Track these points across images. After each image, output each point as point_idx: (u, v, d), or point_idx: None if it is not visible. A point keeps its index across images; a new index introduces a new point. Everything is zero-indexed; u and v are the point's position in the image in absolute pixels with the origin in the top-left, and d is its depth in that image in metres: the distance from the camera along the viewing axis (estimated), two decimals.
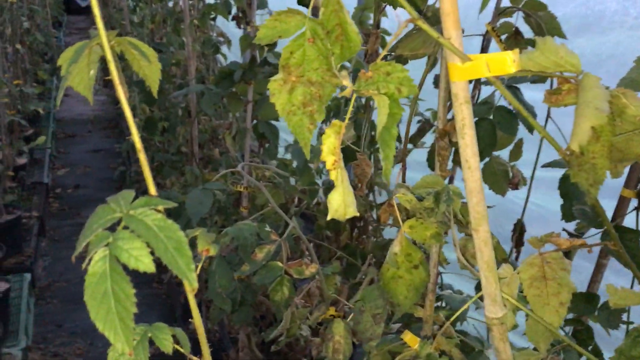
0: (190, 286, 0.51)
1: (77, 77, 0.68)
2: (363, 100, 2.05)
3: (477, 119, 1.55)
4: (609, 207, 1.54)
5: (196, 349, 0.81)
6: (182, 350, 0.71)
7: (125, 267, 0.53)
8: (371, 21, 1.90)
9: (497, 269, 0.68)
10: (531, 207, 1.93)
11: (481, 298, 0.70)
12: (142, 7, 5.51)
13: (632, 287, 1.37)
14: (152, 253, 0.52)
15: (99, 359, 3.37)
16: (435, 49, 1.04)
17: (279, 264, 1.19)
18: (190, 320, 2.60)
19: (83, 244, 0.53)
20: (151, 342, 0.70)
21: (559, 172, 1.65)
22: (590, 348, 1.35)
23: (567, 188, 1.52)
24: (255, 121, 2.35)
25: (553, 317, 0.72)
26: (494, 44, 1.74)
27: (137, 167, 4.36)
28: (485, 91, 1.71)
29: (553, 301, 0.72)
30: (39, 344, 3.47)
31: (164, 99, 3.32)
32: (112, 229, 0.55)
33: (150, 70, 0.72)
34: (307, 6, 1.70)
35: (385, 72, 0.60)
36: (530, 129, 1.48)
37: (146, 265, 0.51)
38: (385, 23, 2.06)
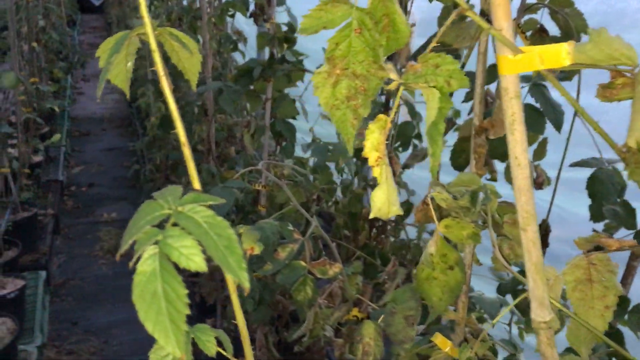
0: (243, 285, 0.48)
1: (116, 69, 0.66)
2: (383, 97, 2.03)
3: None
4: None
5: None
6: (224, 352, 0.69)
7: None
8: None
9: None
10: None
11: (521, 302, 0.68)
12: (156, 5, 5.50)
13: None
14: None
15: (113, 357, 3.37)
16: (472, 44, 1.01)
17: (302, 263, 1.17)
18: (206, 319, 2.58)
19: (129, 241, 0.51)
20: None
21: (579, 173, 1.62)
22: None
23: (595, 188, 1.48)
24: (272, 119, 2.33)
25: (598, 321, 0.69)
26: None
27: (152, 166, 4.36)
28: None
29: (598, 305, 0.69)
30: (54, 342, 3.47)
31: (179, 97, 3.30)
32: (159, 226, 0.52)
33: (191, 62, 0.70)
34: None
35: (434, 64, 0.58)
36: (559, 128, 1.45)
37: (197, 264, 0.49)
38: None
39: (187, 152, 0.60)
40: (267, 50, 2.95)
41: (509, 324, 1.42)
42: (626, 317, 1.38)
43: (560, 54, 0.55)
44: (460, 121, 1.84)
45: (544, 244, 1.84)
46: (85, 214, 5.25)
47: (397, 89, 0.60)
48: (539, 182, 1.75)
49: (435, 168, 0.60)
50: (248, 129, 2.03)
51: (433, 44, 0.60)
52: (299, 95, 1.97)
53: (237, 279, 0.47)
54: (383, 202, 0.61)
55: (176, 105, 2.34)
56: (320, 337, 1.23)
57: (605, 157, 1.51)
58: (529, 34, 1.65)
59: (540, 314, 0.62)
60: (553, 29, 1.60)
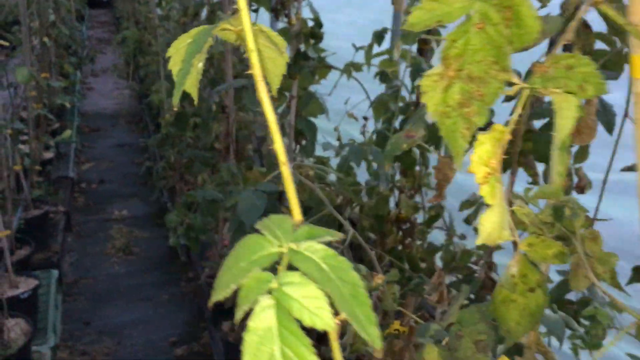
0: (374, 345, 0.39)
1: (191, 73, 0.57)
2: (412, 96, 1.95)
3: (546, 120, 1.44)
4: None
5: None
6: None
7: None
8: None
9: None
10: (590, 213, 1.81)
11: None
12: (168, 0, 5.44)
13: None
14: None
15: (127, 358, 3.31)
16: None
17: None
18: (223, 322, 2.50)
19: (232, 287, 0.42)
20: None
21: (621, 176, 1.54)
22: None
23: None
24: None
25: None
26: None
27: (164, 163, 4.30)
28: None
29: None
30: (66, 342, 3.42)
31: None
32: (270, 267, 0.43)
33: (275, 63, 0.61)
34: None
35: (566, 65, 0.50)
36: (610, 129, 1.37)
37: (325, 321, 0.38)
38: None
39: (285, 171, 0.51)
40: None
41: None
42: None
43: None
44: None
45: None
46: (96, 211, 5.20)
47: (521, 96, 0.52)
48: (580, 186, 1.67)
49: (561, 188, 0.52)
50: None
51: (562, 42, 0.53)
52: (327, 94, 1.89)
53: (365, 334, 0.39)
54: (494, 226, 0.53)
55: (191, 102, 2.27)
56: (361, 352, 1.16)
57: None
58: None
59: None
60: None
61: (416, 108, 1.87)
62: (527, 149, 1.52)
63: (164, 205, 4.94)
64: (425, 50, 1.74)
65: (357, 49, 1.84)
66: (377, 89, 2.76)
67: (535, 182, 1.61)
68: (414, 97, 1.86)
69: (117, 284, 4.06)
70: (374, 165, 1.89)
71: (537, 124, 1.51)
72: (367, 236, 2.23)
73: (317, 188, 1.39)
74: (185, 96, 2.33)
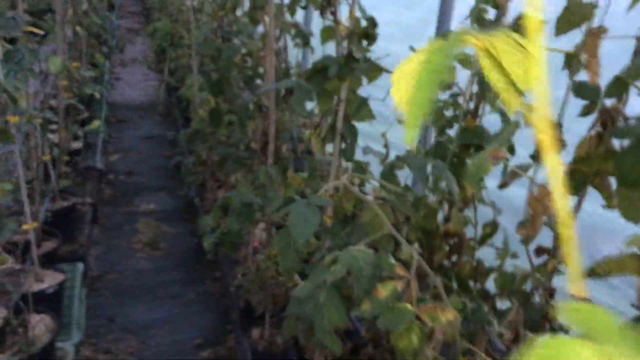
0: None
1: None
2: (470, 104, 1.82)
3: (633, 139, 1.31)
4: None
5: None
6: None
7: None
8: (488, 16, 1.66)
9: None
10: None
11: None
12: None
13: None
14: None
15: (151, 359, 3.23)
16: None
17: (409, 307, 0.98)
18: (253, 328, 2.39)
19: None
20: None
21: None
22: None
23: None
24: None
25: None
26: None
27: (194, 159, 4.22)
28: None
29: None
30: (90, 339, 3.35)
31: (230, 91, 3.14)
32: None
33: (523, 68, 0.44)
34: None
35: None
36: None
37: None
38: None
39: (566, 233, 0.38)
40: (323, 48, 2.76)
41: None
42: None
43: None
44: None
45: None
46: (124, 204, 5.15)
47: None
48: None
49: None
50: (318, 132, 1.84)
51: None
52: (381, 99, 1.77)
53: None
54: None
55: (226, 99, 2.16)
56: None
57: None
58: None
59: None
60: None
61: (473, 115, 1.74)
62: (605, 169, 1.38)
63: (191, 200, 4.86)
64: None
65: (413, 51, 1.72)
66: None
67: (609, 206, 1.48)
68: (471, 104, 1.74)
69: (142, 280, 3.99)
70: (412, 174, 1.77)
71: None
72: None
73: (375, 204, 1.27)
74: (219, 92, 2.21)
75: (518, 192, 2.08)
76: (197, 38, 4.51)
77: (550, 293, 1.54)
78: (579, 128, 1.52)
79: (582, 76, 1.42)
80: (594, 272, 1.22)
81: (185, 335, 3.45)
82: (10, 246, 3.00)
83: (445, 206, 1.99)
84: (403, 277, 1.02)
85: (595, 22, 1.38)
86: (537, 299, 1.64)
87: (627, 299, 1.67)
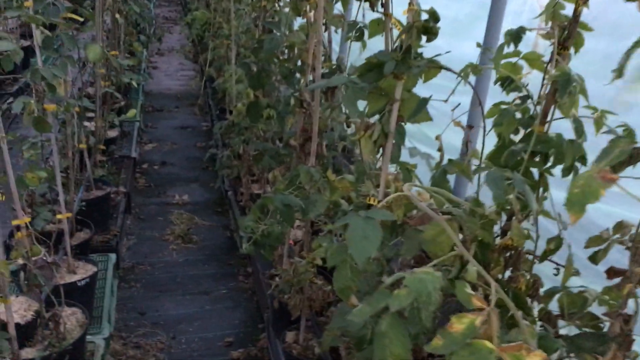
0: None
1: None
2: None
3: None
4: None
5: None
6: None
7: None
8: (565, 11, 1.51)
9: None
10: None
11: None
12: None
13: None
14: None
15: (181, 356, 3.16)
16: None
17: (488, 344, 0.86)
18: (287, 331, 2.26)
19: None
20: None
21: None
22: None
23: None
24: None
25: None
26: None
27: (230, 152, 4.13)
28: None
29: None
30: (120, 332, 3.30)
31: (270, 84, 3.03)
32: None
33: None
34: None
35: None
36: None
37: None
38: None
39: None
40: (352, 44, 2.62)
41: None
42: None
43: None
44: None
45: None
46: (157, 194, 5.10)
47: None
48: None
49: None
50: (369, 134, 1.72)
51: None
52: (443, 100, 1.64)
53: None
54: None
55: (265, 93, 2.03)
56: None
57: None
58: None
59: None
60: None
61: (543, 123, 1.59)
62: None
63: (225, 193, 4.79)
64: (563, 55, 1.46)
65: (483, 50, 1.58)
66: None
67: None
68: (538, 108, 1.59)
69: (174, 274, 3.93)
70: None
71: None
72: None
73: (443, 219, 1.14)
74: (260, 85, 2.08)
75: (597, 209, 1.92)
76: (236, 28, 4.41)
77: (626, 320, 1.40)
78: None
79: None
80: None
81: (216, 333, 3.37)
82: (43, 236, 2.95)
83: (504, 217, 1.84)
84: (482, 311, 0.89)
85: None
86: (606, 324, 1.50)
87: None
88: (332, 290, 2.79)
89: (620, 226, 1.53)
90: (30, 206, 3.12)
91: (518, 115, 1.67)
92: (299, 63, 2.84)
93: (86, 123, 4.29)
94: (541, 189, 1.75)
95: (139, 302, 3.61)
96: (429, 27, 1.61)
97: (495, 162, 1.59)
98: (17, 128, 4.88)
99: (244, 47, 4.24)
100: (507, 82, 1.57)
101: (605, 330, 1.52)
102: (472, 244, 1.33)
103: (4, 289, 2.19)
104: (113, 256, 3.69)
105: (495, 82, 1.62)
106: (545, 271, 1.94)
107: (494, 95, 1.95)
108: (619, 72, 1.17)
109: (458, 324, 0.89)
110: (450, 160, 1.79)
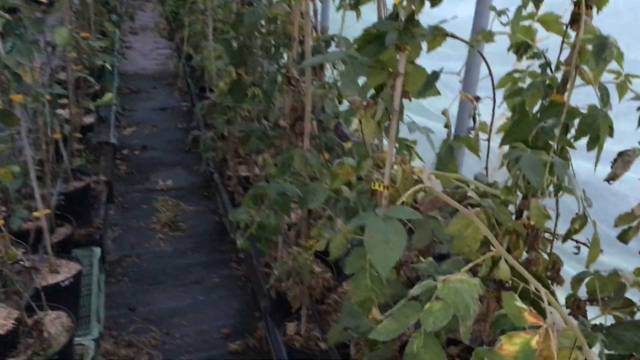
0: None
1: None
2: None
3: None
4: None
5: None
6: None
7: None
8: None
9: None
10: None
11: None
12: None
13: None
14: None
15: (176, 352, 3.02)
16: None
17: None
18: (287, 322, 2.10)
19: None
20: None
21: None
22: None
23: None
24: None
25: None
26: None
27: (214, 134, 3.94)
28: None
29: None
30: (110, 331, 3.15)
31: (253, 61, 2.83)
32: None
33: None
34: None
35: None
36: None
37: None
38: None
39: None
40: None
41: None
42: None
43: None
44: None
45: None
46: (140, 181, 4.91)
47: None
48: None
49: None
50: (372, 112, 1.55)
51: None
52: (456, 73, 1.47)
53: None
54: None
55: (248, 71, 1.80)
56: None
57: None
58: None
59: None
60: None
61: (562, 91, 1.43)
62: None
63: (210, 176, 4.61)
64: (577, 19, 1.30)
65: (498, 13, 1.40)
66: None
67: None
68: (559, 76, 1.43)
69: (163, 264, 3.77)
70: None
71: None
72: None
73: (472, 213, 0.99)
74: (240, 63, 1.87)
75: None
76: (211, 2, 4.17)
77: None
78: None
79: None
80: None
81: (212, 324, 3.23)
82: (21, 234, 2.76)
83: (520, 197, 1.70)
84: (538, 328, 0.75)
85: None
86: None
87: None
88: (331, 277, 2.64)
89: None
90: (4, 204, 2.93)
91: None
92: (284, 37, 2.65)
93: (60, 111, 4.05)
94: None
95: (129, 297, 3.45)
96: None
97: (513, 138, 1.43)
98: None
99: (222, 22, 4.02)
100: (523, 48, 1.40)
101: None
102: (504, 238, 1.17)
103: None
104: (98, 250, 3.51)
105: (509, 49, 1.46)
106: (561, 248, 1.80)
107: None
108: None
109: (510, 346, 0.74)
110: (456, 137, 1.63)
